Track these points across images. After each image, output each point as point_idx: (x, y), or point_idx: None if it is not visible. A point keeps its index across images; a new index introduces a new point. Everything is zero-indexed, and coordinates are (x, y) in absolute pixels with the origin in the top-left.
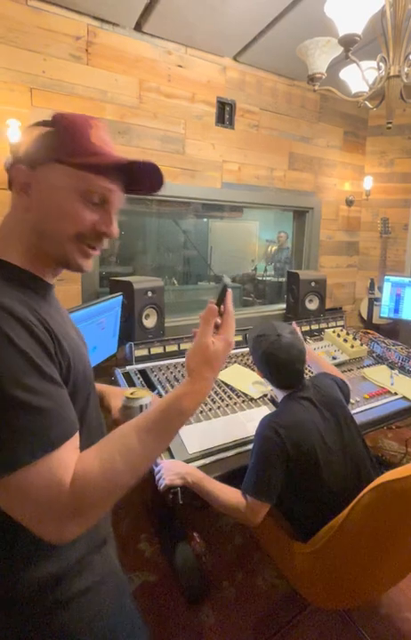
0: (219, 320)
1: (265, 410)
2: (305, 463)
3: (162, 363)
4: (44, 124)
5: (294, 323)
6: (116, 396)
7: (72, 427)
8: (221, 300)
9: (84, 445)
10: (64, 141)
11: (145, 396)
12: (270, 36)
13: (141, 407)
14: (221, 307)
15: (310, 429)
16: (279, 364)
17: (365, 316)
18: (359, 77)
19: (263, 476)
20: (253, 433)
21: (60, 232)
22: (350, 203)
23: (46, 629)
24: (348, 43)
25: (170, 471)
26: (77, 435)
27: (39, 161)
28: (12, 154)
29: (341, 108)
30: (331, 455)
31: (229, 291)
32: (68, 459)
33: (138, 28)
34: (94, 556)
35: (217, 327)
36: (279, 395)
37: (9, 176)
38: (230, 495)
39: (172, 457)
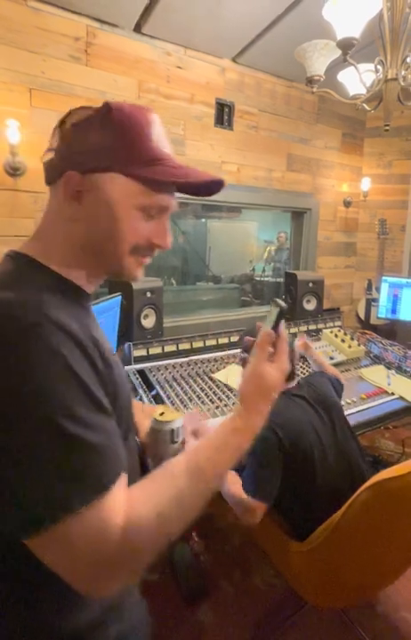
0: (271, 348)
1: None
2: (302, 462)
3: (161, 363)
4: (93, 113)
5: (303, 337)
6: (144, 414)
7: (123, 462)
8: (276, 325)
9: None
10: (122, 144)
11: (176, 419)
12: (269, 37)
13: (171, 431)
14: (278, 331)
15: (307, 428)
16: None
17: (362, 316)
18: (357, 80)
19: (262, 476)
20: None
21: (116, 248)
22: (347, 204)
23: None
24: (346, 46)
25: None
26: (126, 473)
27: (94, 167)
28: (55, 150)
29: (339, 110)
30: (326, 453)
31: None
32: (119, 501)
33: (137, 29)
34: (125, 600)
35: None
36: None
37: (49, 172)
38: (234, 487)
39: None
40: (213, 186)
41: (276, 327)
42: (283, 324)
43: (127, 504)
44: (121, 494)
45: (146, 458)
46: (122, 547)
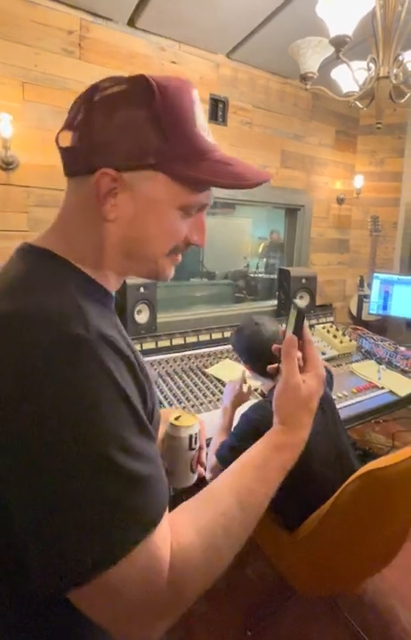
0: (299, 353)
1: None
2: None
3: (154, 358)
4: (133, 93)
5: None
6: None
7: (167, 495)
8: (298, 328)
9: None
10: (166, 135)
11: (193, 424)
12: (263, 33)
13: (190, 437)
14: (301, 334)
15: None
16: (264, 349)
17: (354, 312)
18: (350, 77)
19: (237, 447)
20: None
21: (157, 250)
22: (340, 201)
23: None
24: (339, 43)
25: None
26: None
27: (133, 164)
28: (79, 137)
29: (332, 107)
30: (317, 444)
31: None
32: (166, 533)
33: (131, 23)
34: None
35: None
36: (267, 387)
37: (72, 162)
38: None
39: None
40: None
41: (298, 331)
42: (306, 326)
43: (173, 536)
44: (166, 528)
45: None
46: (172, 584)
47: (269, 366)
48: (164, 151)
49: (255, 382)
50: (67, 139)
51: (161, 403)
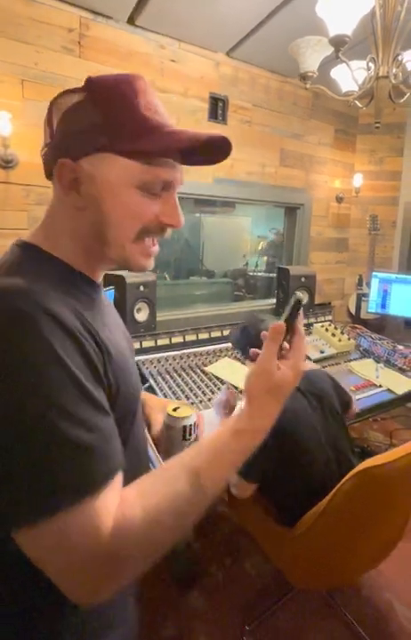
0: (286, 344)
1: None
2: (291, 450)
3: (154, 356)
4: (74, 91)
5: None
6: (157, 408)
7: (118, 463)
8: (291, 319)
9: (128, 470)
10: (106, 118)
11: (189, 415)
12: (263, 32)
13: (184, 428)
14: (293, 327)
15: (299, 417)
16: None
17: (353, 311)
18: (350, 77)
19: (256, 458)
20: None
21: (122, 233)
22: (340, 200)
23: None
24: (338, 43)
25: (221, 403)
26: (121, 473)
27: (83, 150)
28: (48, 139)
29: (332, 106)
30: (316, 443)
31: (301, 310)
32: (111, 502)
33: (131, 21)
34: (115, 612)
35: (282, 349)
36: None
37: (46, 167)
38: None
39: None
40: (219, 146)
41: (290, 321)
42: (301, 320)
43: (119, 507)
44: (113, 495)
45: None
46: (110, 550)
47: (253, 349)
48: (110, 134)
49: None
50: (44, 150)
51: None
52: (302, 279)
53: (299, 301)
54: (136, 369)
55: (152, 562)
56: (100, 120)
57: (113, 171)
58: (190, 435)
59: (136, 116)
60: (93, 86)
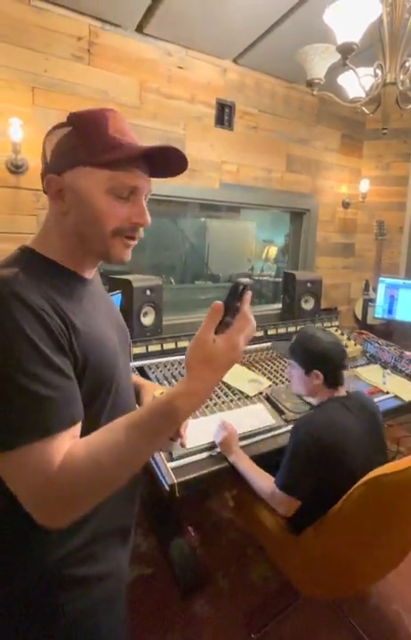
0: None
1: (261, 407)
2: (335, 469)
3: (160, 360)
4: (61, 125)
5: None
6: (148, 392)
7: (73, 417)
8: (230, 299)
9: None
10: (83, 141)
11: None
12: (270, 39)
13: None
14: (236, 308)
15: (346, 437)
16: (340, 358)
17: (359, 316)
18: (357, 83)
19: (294, 474)
20: (250, 429)
21: (99, 232)
22: (346, 205)
23: (40, 608)
24: (345, 51)
25: (226, 441)
26: (79, 426)
27: (65, 166)
28: (42, 165)
29: (339, 112)
30: (358, 461)
31: (248, 292)
32: (62, 447)
33: (139, 29)
34: (96, 549)
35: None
36: (316, 399)
37: (42, 185)
38: (266, 485)
39: (169, 453)
40: (173, 160)
41: (231, 302)
42: (246, 300)
43: (68, 449)
44: (67, 441)
45: None
46: (57, 481)
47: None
48: (84, 151)
49: (262, 385)
50: (41, 174)
51: None
52: (308, 284)
53: (237, 285)
54: (118, 353)
55: (98, 497)
56: (78, 142)
57: (87, 179)
58: None
59: (105, 137)
60: (75, 119)
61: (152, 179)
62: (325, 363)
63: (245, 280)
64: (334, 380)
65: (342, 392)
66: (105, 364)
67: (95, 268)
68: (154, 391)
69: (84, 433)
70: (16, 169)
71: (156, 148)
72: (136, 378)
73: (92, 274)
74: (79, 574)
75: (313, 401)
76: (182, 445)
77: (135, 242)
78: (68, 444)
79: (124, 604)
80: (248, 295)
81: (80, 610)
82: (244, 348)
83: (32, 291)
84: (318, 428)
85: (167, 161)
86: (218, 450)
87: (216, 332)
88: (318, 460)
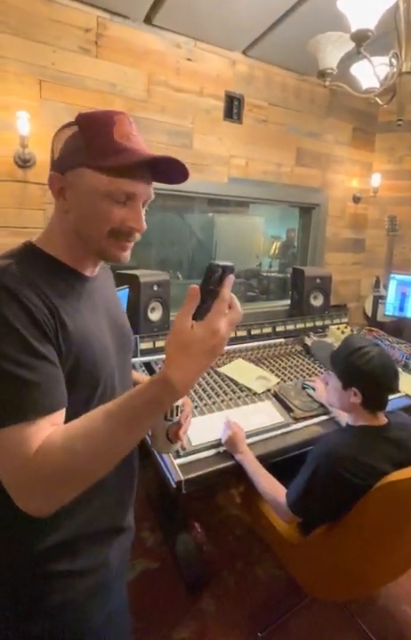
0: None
1: (269, 405)
2: (354, 497)
3: None
4: (69, 125)
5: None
6: None
7: (55, 403)
8: (206, 283)
9: None
10: (88, 143)
11: None
12: (281, 30)
13: (170, 408)
14: (216, 292)
15: (371, 474)
16: (389, 379)
17: (369, 313)
18: (371, 73)
19: (306, 496)
20: (257, 426)
21: (95, 231)
22: (357, 200)
23: (13, 596)
24: (360, 38)
25: (231, 440)
26: (61, 413)
27: (68, 166)
28: (50, 163)
29: (350, 104)
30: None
31: (230, 276)
32: (42, 432)
33: (147, 20)
34: (82, 544)
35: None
36: (351, 417)
37: (48, 181)
38: (271, 490)
39: (168, 454)
40: (175, 169)
41: (208, 285)
42: (226, 285)
43: (48, 435)
44: (47, 427)
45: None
46: (31, 466)
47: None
48: (88, 154)
49: (269, 383)
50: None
51: None
52: (317, 280)
53: (211, 267)
54: (110, 349)
55: (75, 485)
56: (83, 144)
57: (87, 181)
58: (173, 415)
59: (110, 142)
60: (82, 119)
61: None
62: (367, 383)
63: (223, 263)
64: (375, 403)
65: (381, 419)
66: (93, 361)
67: (97, 266)
68: None
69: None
70: (24, 163)
71: (156, 159)
72: (137, 374)
73: (93, 272)
74: (59, 569)
75: (346, 418)
76: (183, 448)
77: (131, 244)
78: (49, 430)
79: (122, 598)
80: (229, 279)
81: (62, 603)
82: (228, 333)
83: (22, 283)
84: (339, 459)
85: (171, 167)
86: (224, 449)
87: (195, 318)
88: (335, 493)
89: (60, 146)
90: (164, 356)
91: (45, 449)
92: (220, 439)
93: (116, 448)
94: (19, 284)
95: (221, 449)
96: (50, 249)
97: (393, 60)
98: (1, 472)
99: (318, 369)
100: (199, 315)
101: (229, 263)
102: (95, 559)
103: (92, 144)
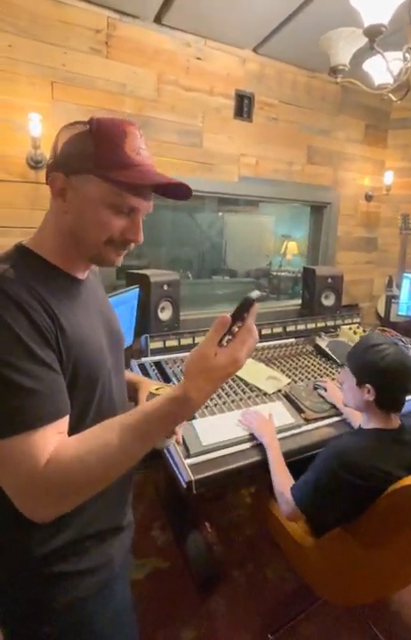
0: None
1: (279, 405)
2: (366, 502)
3: (177, 355)
4: (79, 123)
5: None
6: (144, 389)
7: (59, 410)
8: (238, 313)
9: None
10: (99, 151)
11: None
12: (292, 27)
13: None
14: (242, 320)
15: (386, 479)
16: (404, 378)
17: (382, 313)
18: (384, 69)
19: (316, 497)
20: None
21: (92, 238)
22: (369, 198)
23: (24, 598)
24: (373, 33)
25: (259, 425)
26: (65, 420)
27: (75, 170)
28: (51, 156)
29: (362, 101)
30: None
31: (256, 305)
32: (48, 441)
33: (157, 20)
34: (87, 544)
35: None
36: (365, 417)
37: (46, 177)
38: (282, 482)
39: (186, 448)
40: (181, 190)
41: (238, 315)
42: (252, 315)
43: (58, 445)
44: (53, 435)
45: None
46: (43, 476)
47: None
48: (98, 162)
49: (280, 383)
50: (48, 163)
51: None
52: (329, 280)
53: (247, 299)
54: (106, 351)
55: (85, 495)
56: (92, 150)
57: (92, 189)
58: None
59: (120, 154)
60: (95, 124)
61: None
62: (381, 379)
63: (256, 293)
64: (389, 403)
65: (395, 422)
66: (91, 364)
67: (88, 269)
68: (149, 387)
69: (69, 431)
70: (36, 164)
71: (164, 185)
72: (130, 374)
73: (85, 275)
74: (63, 570)
75: (358, 420)
76: (177, 442)
77: (125, 252)
78: (55, 438)
79: (126, 596)
80: (255, 308)
81: (68, 603)
82: (244, 361)
83: (20, 288)
84: (351, 464)
85: (177, 189)
86: (234, 449)
87: (218, 344)
88: (346, 497)
89: (64, 141)
90: (173, 356)
91: (58, 460)
92: (232, 439)
93: (129, 459)
94: (18, 290)
95: (236, 448)
96: (42, 251)
97: (407, 55)
98: (6, 481)
99: (330, 369)
100: (224, 337)
101: (260, 294)
102: (100, 558)
103: (101, 152)
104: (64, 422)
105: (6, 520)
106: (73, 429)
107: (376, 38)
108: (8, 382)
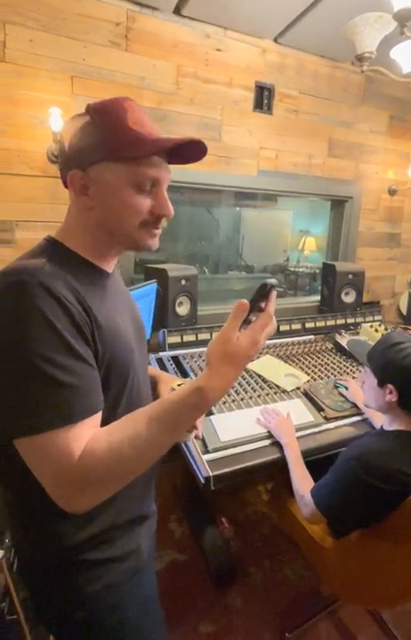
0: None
1: (299, 403)
2: (388, 505)
3: (194, 350)
4: (80, 117)
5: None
6: (164, 382)
7: (94, 405)
8: (256, 299)
9: None
10: (104, 135)
11: None
12: (314, 14)
13: None
14: (262, 305)
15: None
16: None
17: (404, 311)
18: None
19: (336, 500)
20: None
21: (127, 225)
22: (393, 192)
23: (59, 585)
24: (404, 18)
25: (277, 425)
26: (99, 414)
27: (89, 162)
28: (61, 155)
29: (387, 91)
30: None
31: (274, 292)
32: (85, 435)
33: (177, 11)
34: (117, 533)
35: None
36: (387, 419)
37: (63, 177)
38: (301, 484)
39: (204, 444)
40: (194, 148)
41: (257, 301)
42: (272, 301)
43: (90, 439)
44: (87, 429)
45: None
46: (79, 469)
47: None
48: (107, 146)
49: (299, 380)
50: (59, 165)
51: None
52: (350, 276)
53: (265, 285)
54: (134, 345)
55: (117, 486)
56: (99, 137)
57: (112, 175)
58: None
59: (126, 130)
60: (93, 111)
61: (187, 166)
62: (405, 379)
63: (273, 280)
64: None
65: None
66: (123, 357)
67: (116, 260)
68: (172, 383)
69: (102, 424)
70: (56, 158)
71: (177, 143)
72: (151, 369)
73: (111, 267)
74: (95, 558)
75: (380, 421)
76: (197, 438)
77: (160, 230)
78: (89, 432)
79: (152, 585)
80: (274, 294)
81: (101, 589)
82: (263, 344)
83: (57, 281)
84: (373, 467)
85: (190, 149)
86: (252, 446)
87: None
88: (369, 500)
89: (71, 137)
90: (190, 351)
91: (91, 453)
92: (250, 436)
93: (158, 450)
94: (56, 284)
95: (254, 446)
96: (72, 245)
97: None
98: (42, 474)
99: (350, 367)
100: (242, 325)
101: (275, 281)
102: (129, 545)
103: (109, 136)
104: (98, 417)
105: (40, 512)
106: (104, 421)
107: (407, 23)
108: (48, 378)
